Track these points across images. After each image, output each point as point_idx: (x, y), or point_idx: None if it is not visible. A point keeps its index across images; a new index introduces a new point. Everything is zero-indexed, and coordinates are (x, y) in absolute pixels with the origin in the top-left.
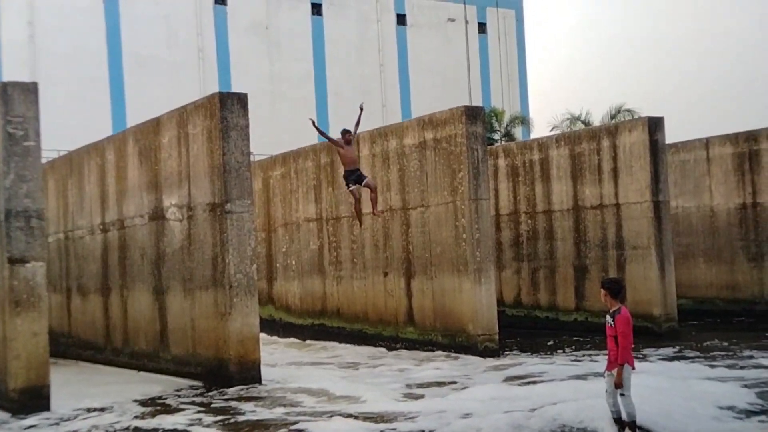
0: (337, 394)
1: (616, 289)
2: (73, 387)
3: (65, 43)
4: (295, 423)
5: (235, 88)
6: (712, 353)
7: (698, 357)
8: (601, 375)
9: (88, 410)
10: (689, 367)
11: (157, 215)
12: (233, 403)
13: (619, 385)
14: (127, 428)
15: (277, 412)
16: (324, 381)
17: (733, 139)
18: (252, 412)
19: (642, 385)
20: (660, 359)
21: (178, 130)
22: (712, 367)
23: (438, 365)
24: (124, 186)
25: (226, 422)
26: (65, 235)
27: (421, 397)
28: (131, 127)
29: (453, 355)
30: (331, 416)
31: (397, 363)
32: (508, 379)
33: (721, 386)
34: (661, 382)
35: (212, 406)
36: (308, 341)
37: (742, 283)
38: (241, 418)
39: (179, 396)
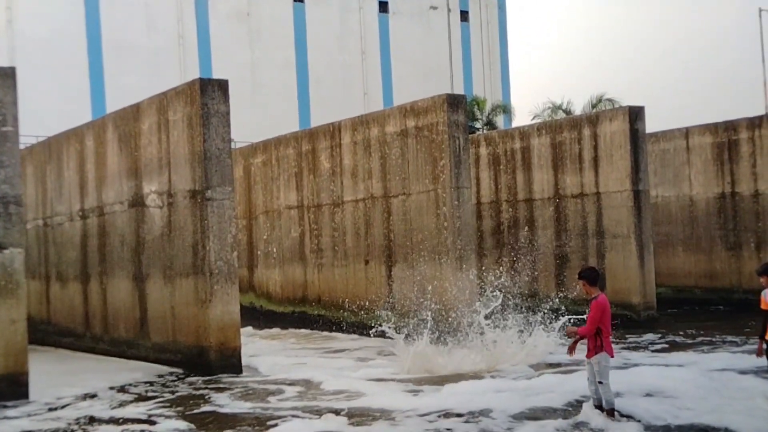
0: (326, 388)
1: (593, 277)
2: (52, 375)
3: (44, 29)
4: (263, 419)
5: (216, 75)
6: (711, 342)
7: (702, 345)
8: (622, 366)
9: (68, 398)
10: (703, 357)
11: (137, 202)
12: (204, 392)
13: (571, 334)
14: (84, 416)
15: (246, 406)
16: (314, 372)
17: (713, 128)
18: (220, 405)
19: (687, 381)
20: (656, 351)
21: (158, 116)
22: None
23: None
24: (103, 172)
25: (188, 413)
26: (44, 222)
27: (428, 390)
28: (111, 113)
29: None
30: (317, 412)
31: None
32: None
33: (761, 381)
34: (695, 376)
35: (183, 395)
36: (298, 330)
37: (720, 272)
38: (205, 408)
39: (152, 384)
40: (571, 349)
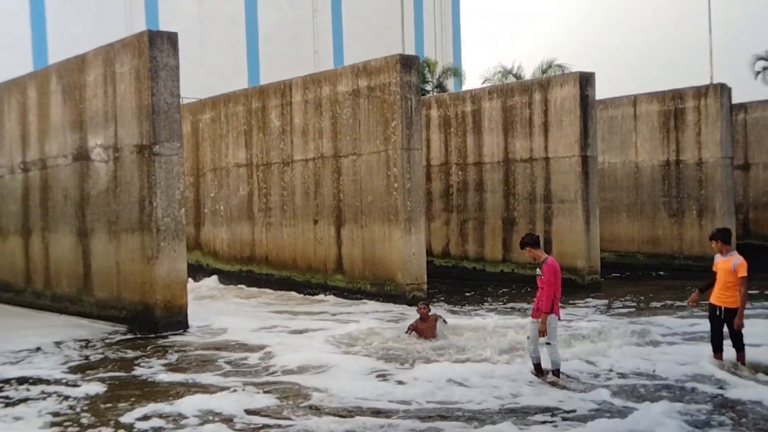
0: (276, 362)
1: (533, 241)
2: None
3: None
4: (183, 389)
5: (163, 27)
6: (679, 307)
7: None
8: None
9: (10, 353)
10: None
11: (82, 156)
12: (138, 355)
13: (543, 332)
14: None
15: (177, 376)
16: (263, 334)
17: (660, 97)
18: (152, 373)
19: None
20: (624, 315)
21: (104, 68)
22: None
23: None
24: (46, 125)
25: (111, 377)
26: None
27: (404, 368)
28: (54, 63)
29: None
30: (244, 385)
31: (367, 316)
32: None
33: None
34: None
35: (115, 357)
36: (249, 289)
37: (662, 238)
38: (131, 374)
39: (89, 343)
40: (543, 332)
